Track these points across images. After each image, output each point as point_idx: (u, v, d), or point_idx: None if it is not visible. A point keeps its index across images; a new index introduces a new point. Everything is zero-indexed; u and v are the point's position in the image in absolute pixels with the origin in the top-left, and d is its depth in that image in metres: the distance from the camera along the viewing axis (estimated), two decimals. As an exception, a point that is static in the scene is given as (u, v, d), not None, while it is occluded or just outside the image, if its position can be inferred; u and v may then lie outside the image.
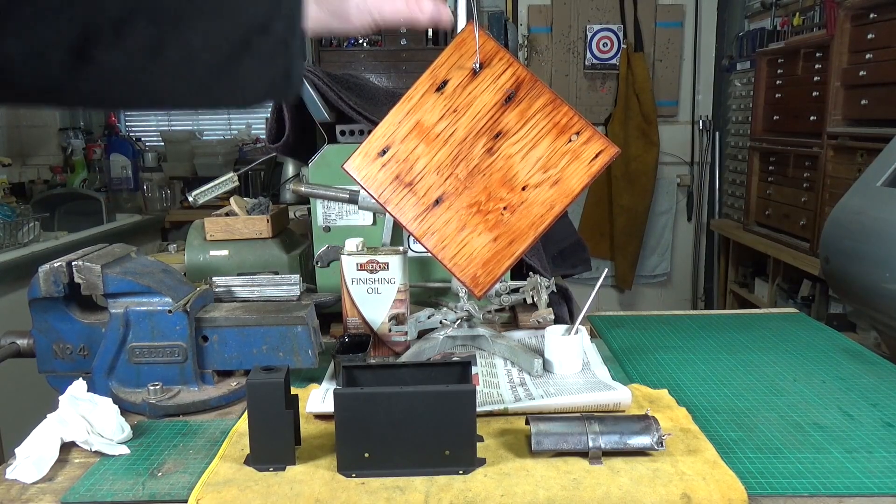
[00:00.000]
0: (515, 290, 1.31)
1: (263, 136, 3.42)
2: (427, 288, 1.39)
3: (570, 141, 0.96)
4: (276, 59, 0.56)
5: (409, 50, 3.84)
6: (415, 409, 0.79)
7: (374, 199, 1.00)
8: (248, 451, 0.84)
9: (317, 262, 1.28)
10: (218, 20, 0.53)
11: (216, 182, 1.61)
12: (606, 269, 1.40)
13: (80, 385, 0.92)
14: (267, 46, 0.55)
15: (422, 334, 1.23)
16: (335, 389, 0.80)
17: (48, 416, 0.89)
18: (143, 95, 0.54)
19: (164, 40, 0.50)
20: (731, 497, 0.75)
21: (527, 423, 0.86)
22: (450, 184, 0.98)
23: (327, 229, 1.37)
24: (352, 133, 1.35)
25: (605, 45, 4.11)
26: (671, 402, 0.99)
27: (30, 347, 1.07)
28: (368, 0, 0.66)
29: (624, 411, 0.97)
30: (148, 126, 4.22)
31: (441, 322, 1.24)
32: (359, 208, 1.25)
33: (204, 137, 4.04)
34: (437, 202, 0.99)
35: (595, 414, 0.91)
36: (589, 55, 4.12)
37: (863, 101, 2.57)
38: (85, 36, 0.47)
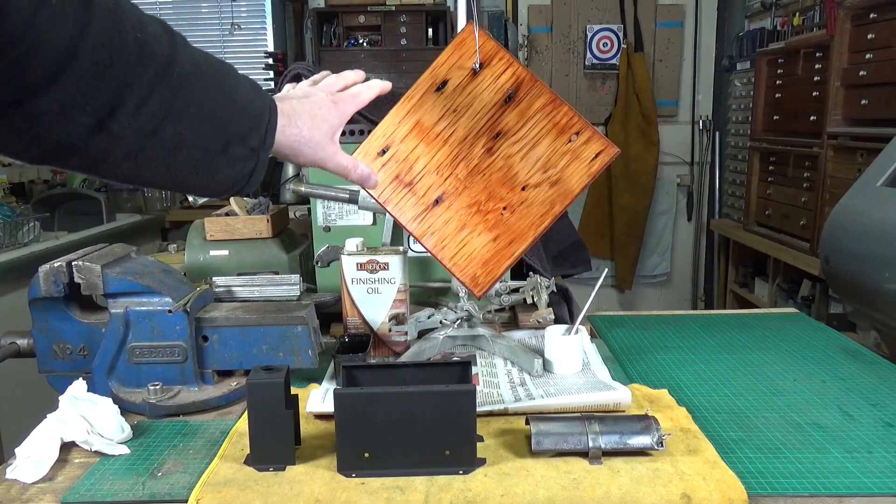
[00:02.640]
0: (515, 290, 1.31)
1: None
2: (427, 288, 1.39)
3: (570, 141, 0.96)
4: (245, 164, 0.67)
5: (409, 50, 3.85)
6: (415, 409, 0.79)
7: (374, 198, 1.00)
8: (248, 451, 0.84)
9: (317, 262, 1.28)
10: (210, 123, 0.62)
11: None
12: (606, 269, 1.39)
13: (80, 385, 0.92)
14: (241, 153, 0.66)
15: (422, 334, 1.23)
16: (335, 389, 0.80)
17: (48, 416, 0.89)
18: (134, 173, 0.61)
19: (165, 126, 0.58)
20: (731, 497, 0.75)
21: (527, 423, 0.86)
22: (449, 184, 0.98)
23: (327, 229, 1.37)
24: (352, 133, 1.35)
25: (605, 45, 4.11)
26: (671, 402, 0.99)
27: (30, 347, 1.07)
28: (318, 152, 0.76)
29: (624, 411, 0.97)
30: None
31: (441, 322, 1.24)
32: (359, 208, 1.25)
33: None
34: (436, 202, 0.98)
35: (595, 414, 0.91)
36: (589, 55, 4.12)
37: (863, 101, 2.57)
38: (111, 107, 0.54)
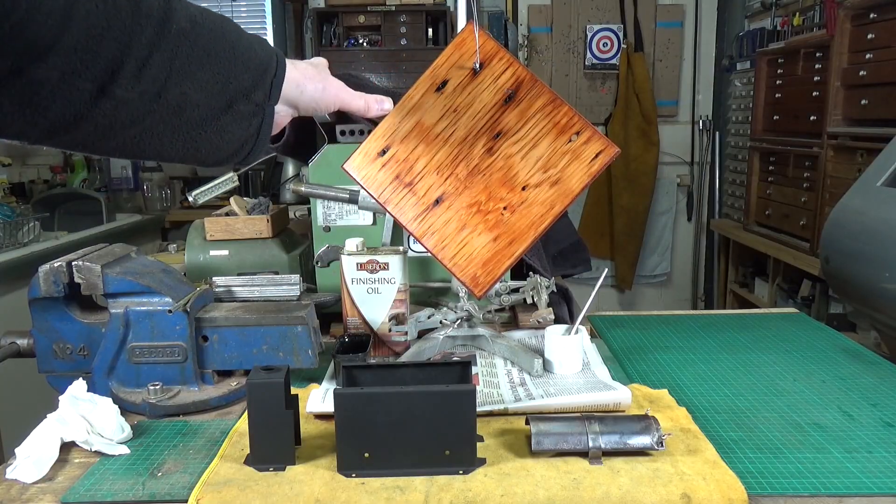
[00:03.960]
0: (515, 290, 1.31)
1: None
2: (427, 288, 1.39)
3: (571, 141, 0.96)
4: (251, 121, 0.66)
5: (409, 50, 3.84)
6: (415, 409, 0.79)
7: (374, 199, 1.00)
8: (248, 451, 0.84)
9: (317, 262, 1.28)
10: (213, 79, 0.61)
11: (216, 182, 1.61)
12: (606, 269, 1.40)
13: (80, 385, 0.92)
14: (246, 109, 0.65)
15: (422, 334, 1.23)
16: (335, 389, 0.80)
17: (48, 416, 0.89)
18: (143, 141, 0.60)
19: (168, 86, 0.57)
20: (731, 497, 0.75)
21: (527, 423, 0.86)
22: (450, 184, 0.98)
23: (327, 229, 1.37)
24: (352, 133, 1.35)
25: (605, 45, 4.11)
26: (671, 402, 0.99)
27: (30, 347, 1.07)
28: (341, 92, 0.78)
29: (624, 411, 0.97)
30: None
31: (441, 322, 1.24)
32: (359, 208, 1.25)
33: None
34: (436, 202, 0.98)
35: (595, 414, 0.91)
36: (589, 55, 4.12)
37: (863, 101, 2.57)
38: (111, 71, 0.53)
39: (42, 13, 0.48)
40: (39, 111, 0.52)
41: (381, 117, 0.87)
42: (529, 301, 1.30)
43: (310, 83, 0.74)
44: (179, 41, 0.57)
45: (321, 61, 0.81)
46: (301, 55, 4.18)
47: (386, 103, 0.85)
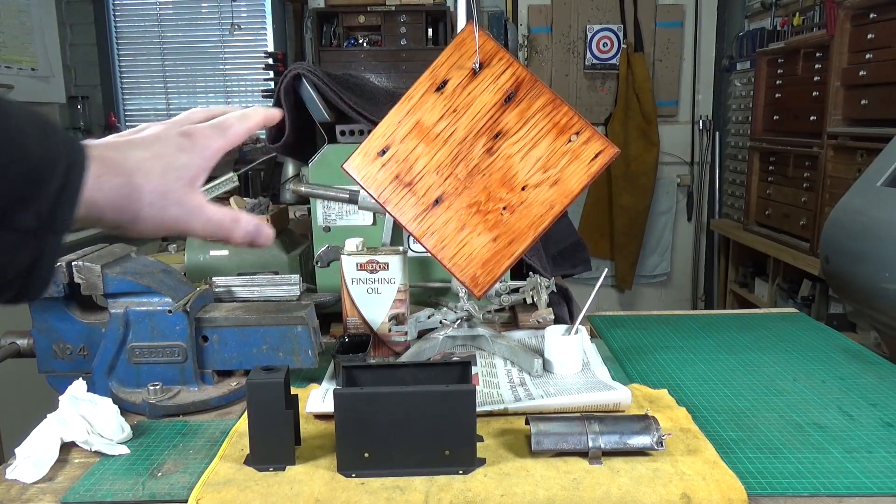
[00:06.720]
0: (515, 290, 1.31)
1: (263, 136, 3.42)
2: (427, 288, 1.39)
3: (570, 141, 0.96)
4: (13, 256, 0.43)
5: (409, 50, 3.85)
6: (415, 409, 0.79)
7: (374, 199, 1.00)
8: (248, 451, 0.84)
9: (317, 262, 1.28)
10: None
11: (216, 182, 1.61)
12: (606, 269, 1.39)
13: (80, 385, 0.92)
14: (6, 240, 0.42)
15: (422, 334, 1.23)
16: (335, 389, 0.80)
17: (48, 416, 0.89)
18: None
19: None
20: (731, 497, 0.75)
21: (527, 423, 0.86)
22: (449, 184, 0.98)
23: (327, 229, 1.37)
24: (352, 133, 1.35)
25: (605, 45, 4.11)
26: (671, 402, 0.99)
27: (30, 347, 1.07)
28: (171, 207, 0.51)
29: (624, 411, 0.97)
30: (148, 126, 4.22)
31: (441, 322, 1.24)
32: (359, 208, 1.25)
33: (204, 137, 4.03)
34: (436, 202, 0.98)
35: (595, 414, 0.91)
36: (589, 55, 4.12)
37: (863, 101, 2.57)
38: None
39: None
40: None
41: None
42: (529, 301, 1.30)
43: (147, 206, 0.50)
44: None
45: (197, 129, 0.56)
46: (301, 55, 4.18)
47: (262, 235, 0.59)
